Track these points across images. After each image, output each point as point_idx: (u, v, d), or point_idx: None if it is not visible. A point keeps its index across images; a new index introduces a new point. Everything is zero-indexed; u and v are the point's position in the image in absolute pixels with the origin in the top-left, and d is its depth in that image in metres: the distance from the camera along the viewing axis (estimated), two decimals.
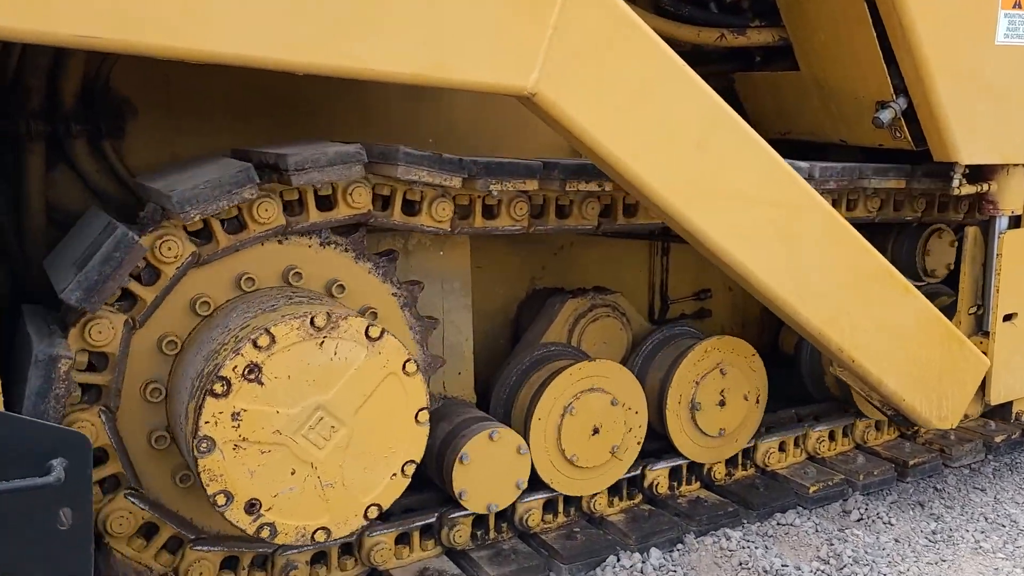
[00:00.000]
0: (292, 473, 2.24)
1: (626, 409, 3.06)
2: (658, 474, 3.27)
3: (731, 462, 3.45)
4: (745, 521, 3.26)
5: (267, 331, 2.17)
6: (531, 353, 3.22)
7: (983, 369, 3.22)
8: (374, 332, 2.31)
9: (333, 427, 2.27)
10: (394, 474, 2.39)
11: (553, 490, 3.02)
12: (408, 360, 2.37)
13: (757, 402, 3.35)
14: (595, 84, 2.26)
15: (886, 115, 3.00)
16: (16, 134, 2.72)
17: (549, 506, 3.07)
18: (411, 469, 2.42)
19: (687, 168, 2.45)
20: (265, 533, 2.23)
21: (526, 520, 3.00)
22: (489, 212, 2.77)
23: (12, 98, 2.71)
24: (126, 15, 1.71)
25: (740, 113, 3.87)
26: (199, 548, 2.50)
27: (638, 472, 3.22)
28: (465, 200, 2.70)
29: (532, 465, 2.93)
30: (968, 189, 3.17)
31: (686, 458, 3.30)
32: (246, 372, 2.14)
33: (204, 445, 2.12)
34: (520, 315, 3.68)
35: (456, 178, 2.57)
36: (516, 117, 3.51)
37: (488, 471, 2.82)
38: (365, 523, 2.37)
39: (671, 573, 2.93)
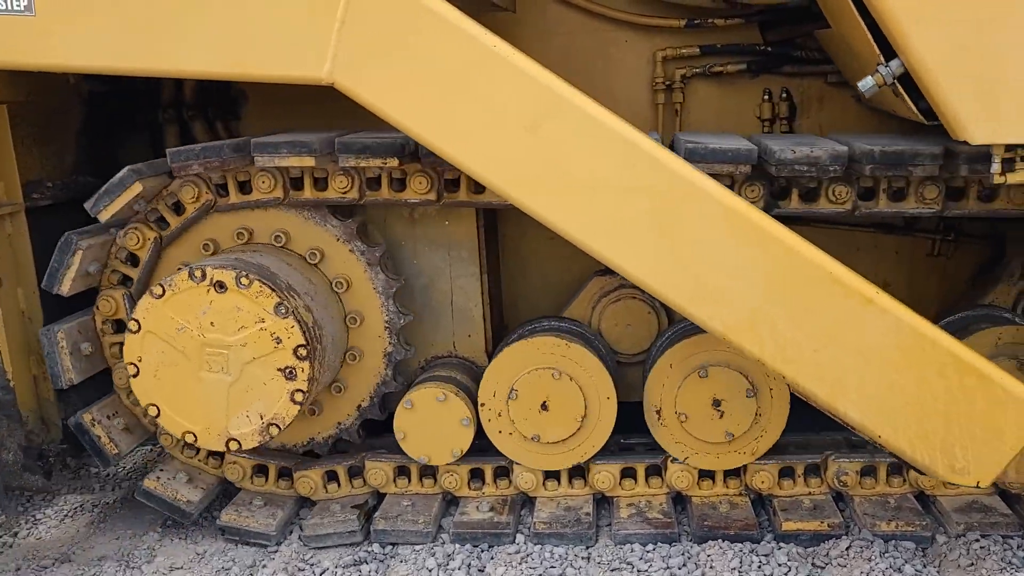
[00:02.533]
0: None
1: None
2: None
3: None
4: None
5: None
6: (523, 328, 3.29)
7: None
8: (283, 311, 2.74)
9: (227, 360, 2.81)
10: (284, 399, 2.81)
11: None
12: (301, 347, 2.75)
13: None
14: (393, 71, 2.37)
15: (867, 83, 2.40)
16: (157, 121, 3.70)
17: None
18: (299, 396, 2.81)
19: (519, 154, 2.39)
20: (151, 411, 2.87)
21: None
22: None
23: (153, 94, 3.68)
24: None
25: None
26: None
27: None
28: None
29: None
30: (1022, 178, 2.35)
31: None
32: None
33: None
34: None
35: None
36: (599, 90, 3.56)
37: (430, 427, 3.07)
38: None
39: None
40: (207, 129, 3.72)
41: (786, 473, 3.04)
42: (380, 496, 3.20)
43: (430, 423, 3.07)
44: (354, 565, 2.87)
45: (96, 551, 3.05)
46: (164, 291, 2.76)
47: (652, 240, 2.41)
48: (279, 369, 2.77)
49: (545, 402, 3.03)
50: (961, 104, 2.24)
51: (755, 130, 3.55)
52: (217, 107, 3.72)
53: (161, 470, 3.18)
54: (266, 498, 3.17)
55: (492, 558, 2.85)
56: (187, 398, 2.81)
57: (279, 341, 2.76)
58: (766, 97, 3.49)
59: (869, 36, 2.36)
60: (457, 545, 2.94)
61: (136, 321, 2.80)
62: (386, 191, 2.90)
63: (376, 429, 3.35)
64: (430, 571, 2.81)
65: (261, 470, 3.22)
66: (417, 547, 2.94)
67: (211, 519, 3.18)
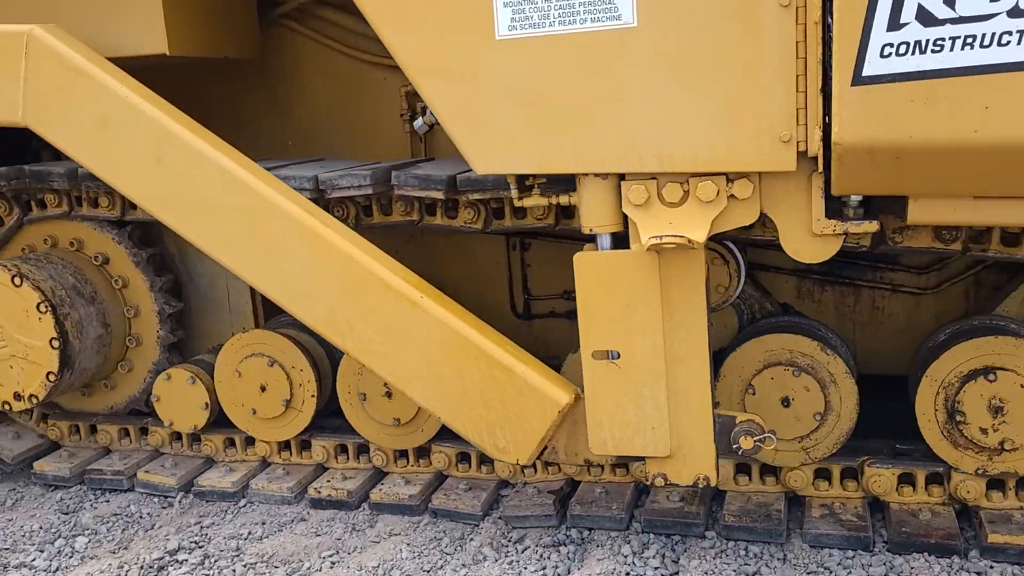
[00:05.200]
0: None
1: None
2: None
3: None
4: None
5: None
6: (275, 320, 3.93)
7: (553, 408, 2.79)
8: (17, 281, 3.52)
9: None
10: (41, 379, 3.59)
11: None
12: (41, 303, 3.52)
13: None
14: (63, 117, 3.08)
15: (418, 122, 2.88)
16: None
17: None
18: (53, 377, 3.57)
19: (153, 180, 3.04)
20: None
21: None
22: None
23: None
24: None
25: None
26: None
27: None
28: None
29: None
30: (536, 201, 2.76)
31: None
32: None
33: None
34: None
35: None
36: (366, 121, 4.15)
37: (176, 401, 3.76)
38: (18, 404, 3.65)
39: None
40: None
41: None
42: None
43: (180, 396, 3.77)
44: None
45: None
46: None
47: (252, 250, 2.99)
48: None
49: (263, 385, 3.65)
50: (464, 141, 2.68)
51: None
52: None
53: None
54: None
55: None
56: None
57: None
58: None
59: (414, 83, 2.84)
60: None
61: None
62: (85, 209, 3.63)
63: None
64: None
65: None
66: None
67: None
